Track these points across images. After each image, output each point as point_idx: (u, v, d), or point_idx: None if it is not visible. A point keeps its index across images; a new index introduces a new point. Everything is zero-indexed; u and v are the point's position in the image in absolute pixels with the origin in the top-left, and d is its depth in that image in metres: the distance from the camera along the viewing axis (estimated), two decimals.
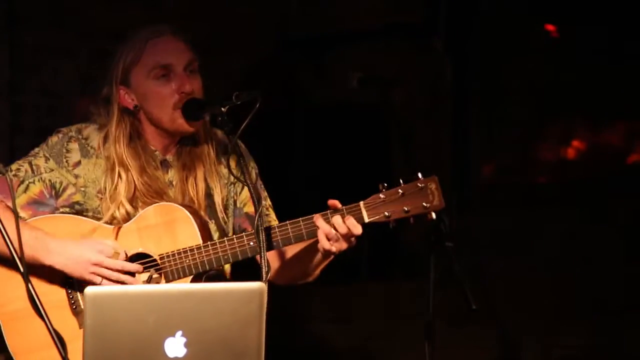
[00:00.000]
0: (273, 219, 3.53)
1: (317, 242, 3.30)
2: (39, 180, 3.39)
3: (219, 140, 3.51)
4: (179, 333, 2.59)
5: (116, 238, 3.34)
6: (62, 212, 3.40)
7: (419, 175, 3.27)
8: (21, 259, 2.81)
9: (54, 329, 2.72)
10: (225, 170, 3.50)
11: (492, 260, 6.43)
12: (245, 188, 3.48)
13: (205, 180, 3.45)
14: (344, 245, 3.26)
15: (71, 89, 5.97)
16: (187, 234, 3.32)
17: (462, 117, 7.17)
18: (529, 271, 6.40)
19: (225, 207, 3.50)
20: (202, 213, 3.42)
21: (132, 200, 3.39)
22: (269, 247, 3.28)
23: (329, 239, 3.23)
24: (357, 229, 3.23)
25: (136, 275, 3.30)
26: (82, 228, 3.37)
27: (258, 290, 2.67)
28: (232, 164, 3.50)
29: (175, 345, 2.59)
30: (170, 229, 3.32)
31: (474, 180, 7.18)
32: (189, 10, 6.53)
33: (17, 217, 2.97)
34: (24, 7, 5.86)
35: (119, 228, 3.35)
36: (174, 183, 3.45)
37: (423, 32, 7.11)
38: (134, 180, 3.38)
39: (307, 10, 7.12)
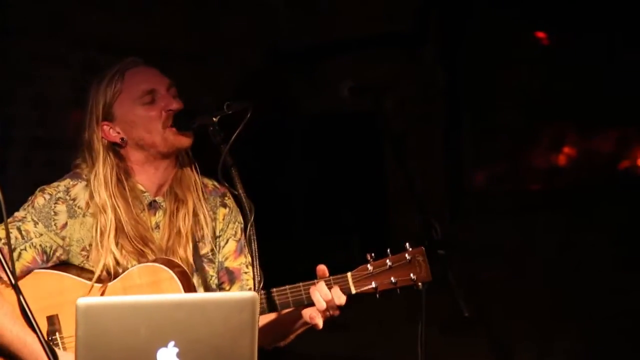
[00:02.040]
0: (250, 278, 3.50)
1: (298, 311, 3.30)
2: (30, 247, 3.34)
3: (208, 191, 3.51)
4: (172, 343, 2.59)
5: (102, 295, 3.31)
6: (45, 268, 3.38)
7: (407, 245, 3.30)
8: (13, 272, 2.80)
9: (46, 342, 2.72)
10: (212, 224, 3.49)
11: (485, 268, 6.45)
12: (230, 242, 3.51)
13: (195, 218, 3.44)
14: (324, 316, 3.28)
15: (63, 99, 5.97)
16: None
17: (454, 125, 7.19)
18: (521, 278, 6.41)
19: (211, 261, 3.49)
20: (190, 249, 3.40)
21: (119, 246, 3.35)
22: (271, 309, 3.28)
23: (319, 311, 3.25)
24: (341, 300, 3.26)
25: None
26: (68, 286, 3.33)
27: (250, 299, 2.67)
28: (223, 212, 3.51)
29: (168, 355, 2.59)
30: (156, 289, 3.30)
31: (466, 187, 7.20)
32: (181, 21, 6.55)
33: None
34: (14, 17, 5.87)
35: (105, 287, 3.33)
36: (160, 225, 3.43)
37: (414, 41, 7.13)
38: (122, 222, 3.35)
39: (299, 20, 7.14)
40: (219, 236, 3.51)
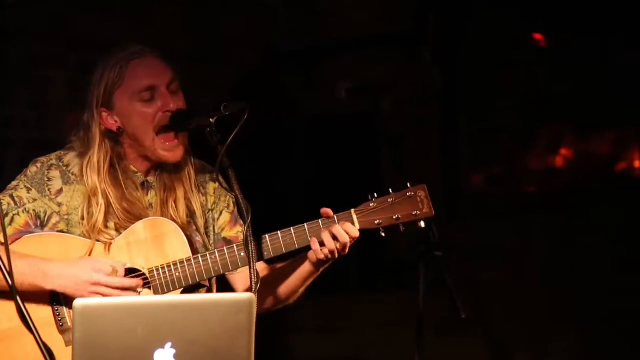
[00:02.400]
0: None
1: (304, 257, 3.30)
2: (23, 212, 3.36)
3: (196, 169, 3.52)
4: (169, 344, 2.59)
5: (108, 252, 3.33)
6: None
7: (408, 184, 3.29)
8: (10, 273, 2.80)
9: (44, 344, 2.72)
10: (202, 199, 3.50)
11: (482, 269, 6.45)
12: (224, 214, 3.52)
13: (187, 201, 3.45)
14: (335, 255, 3.28)
15: (61, 100, 5.96)
16: (177, 247, 3.32)
17: (451, 126, 7.19)
18: (519, 279, 6.41)
19: (207, 234, 3.51)
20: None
21: (112, 224, 3.37)
22: (260, 257, 3.29)
23: (322, 247, 3.25)
24: (355, 232, 3.24)
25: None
26: (70, 245, 3.36)
27: (247, 300, 2.67)
28: (212, 188, 3.51)
29: (165, 356, 2.59)
30: (160, 242, 3.32)
31: (463, 189, 7.20)
32: (178, 22, 6.54)
33: (5, 236, 2.94)
34: (11, 18, 5.86)
35: (110, 244, 3.35)
36: (153, 205, 3.44)
37: (412, 42, 7.13)
38: (113, 209, 3.37)
39: (297, 21, 7.13)
40: (212, 209, 3.52)
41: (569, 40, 6.90)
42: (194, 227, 3.46)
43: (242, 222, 3.44)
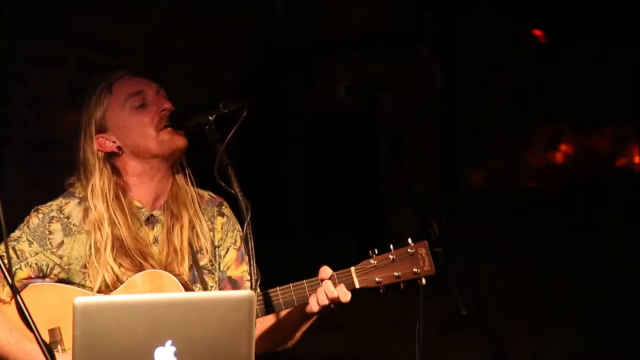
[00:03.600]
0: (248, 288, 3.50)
1: (301, 307, 3.30)
2: (25, 266, 3.35)
3: (204, 202, 3.50)
4: (169, 342, 2.59)
5: None
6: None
7: (409, 240, 3.29)
8: (9, 271, 2.80)
9: (44, 343, 2.71)
10: (210, 234, 3.48)
11: (482, 266, 6.45)
12: (230, 251, 3.49)
13: (190, 232, 3.43)
14: (329, 310, 3.28)
15: (59, 100, 5.96)
16: None
17: (451, 124, 7.19)
18: (519, 277, 6.41)
19: (211, 272, 3.48)
20: (185, 267, 3.39)
21: (117, 262, 3.34)
22: (275, 309, 3.28)
23: (319, 305, 3.25)
24: (346, 297, 3.25)
25: None
26: (70, 297, 3.32)
27: (247, 298, 2.67)
28: (220, 221, 3.51)
29: (165, 354, 2.59)
30: None
31: (463, 186, 7.20)
32: (178, 21, 6.54)
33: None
34: (11, 17, 5.86)
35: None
36: (159, 239, 3.42)
37: (410, 40, 7.13)
38: (122, 235, 3.34)
39: (295, 20, 7.14)
40: (219, 246, 3.50)
41: (568, 38, 6.91)
42: (197, 253, 3.43)
43: (247, 260, 3.42)
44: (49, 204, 3.41)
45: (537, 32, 7.12)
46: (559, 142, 7.17)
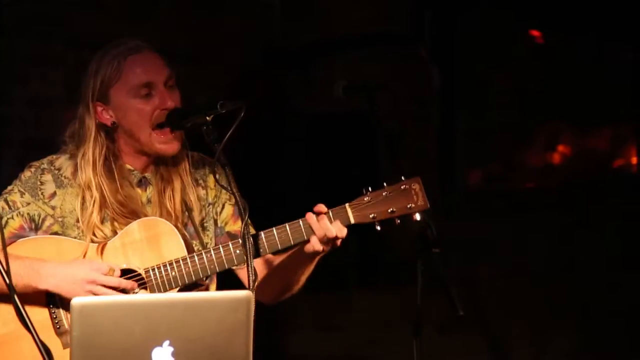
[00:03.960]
0: (252, 230, 3.51)
1: (301, 249, 3.31)
2: (17, 215, 3.37)
3: (195, 162, 3.51)
4: (167, 342, 2.59)
5: (101, 255, 3.33)
6: None
7: (402, 177, 3.29)
8: (8, 272, 2.80)
9: (43, 345, 2.72)
10: (202, 192, 3.50)
11: (480, 266, 6.45)
12: (226, 207, 3.51)
13: (182, 193, 3.44)
14: (328, 248, 3.28)
15: (58, 99, 5.96)
16: (172, 247, 3.31)
17: (449, 124, 7.20)
18: (516, 277, 6.42)
19: (205, 228, 3.50)
20: (180, 226, 3.41)
21: (108, 221, 3.37)
22: (256, 254, 3.29)
23: (320, 242, 3.25)
24: (343, 232, 3.25)
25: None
26: (65, 247, 3.36)
27: (245, 298, 2.67)
28: (212, 180, 3.51)
29: (163, 354, 2.59)
30: (155, 242, 3.31)
31: (460, 186, 7.20)
32: (176, 21, 6.54)
33: (2, 235, 2.94)
34: (10, 16, 5.86)
35: (104, 245, 3.34)
36: (152, 200, 3.44)
37: (409, 40, 7.13)
38: (108, 201, 3.36)
39: (293, 19, 7.14)
40: (213, 203, 3.52)
41: (565, 38, 6.91)
42: (189, 221, 3.45)
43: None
44: (41, 159, 3.44)
45: (535, 33, 7.12)
46: (556, 143, 7.17)
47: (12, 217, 3.37)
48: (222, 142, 3.18)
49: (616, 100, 6.70)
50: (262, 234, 3.29)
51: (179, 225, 3.41)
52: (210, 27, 6.72)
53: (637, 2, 6.36)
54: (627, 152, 7.01)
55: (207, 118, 3.24)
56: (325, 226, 3.24)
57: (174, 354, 2.59)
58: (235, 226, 3.51)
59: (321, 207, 3.29)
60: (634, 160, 6.95)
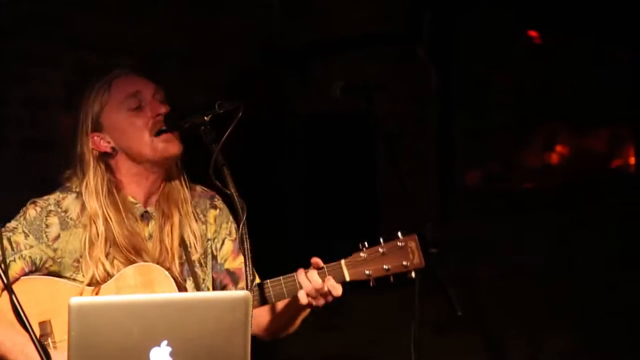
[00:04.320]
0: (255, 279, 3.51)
1: (296, 299, 3.31)
2: (19, 258, 3.35)
3: (196, 195, 3.51)
4: (165, 342, 2.59)
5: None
6: None
7: (399, 234, 3.30)
8: (5, 271, 2.80)
9: (38, 341, 2.72)
10: (202, 227, 3.49)
11: (477, 267, 6.45)
12: (226, 243, 3.51)
13: (181, 229, 3.43)
14: (321, 302, 3.30)
15: (55, 100, 5.96)
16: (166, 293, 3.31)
17: (447, 124, 7.20)
18: (514, 277, 6.42)
19: (203, 265, 3.48)
20: (175, 267, 3.40)
21: (110, 257, 3.35)
22: (266, 300, 3.30)
23: (308, 296, 3.26)
24: (337, 291, 3.27)
25: None
26: (59, 289, 3.34)
27: (243, 298, 2.67)
28: (213, 214, 3.51)
29: (161, 354, 2.59)
30: (149, 288, 3.30)
31: (458, 186, 7.20)
32: (174, 21, 6.54)
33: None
34: (7, 17, 5.85)
35: (99, 289, 3.33)
36: (153, 236, 3.43)
37: (407, 40, 7.13)
38: (114, 232, 3.35)
39: (292, 20, 7.14)
40: (213, 238, 3.51)
41: (564, 39, 6.91)
42: (184, 258, 3.44)
43: (239, 243, 3.43)
44: (45, 197, 3.41)
45: (534, 33, 7.12)
46: (555, 143, 7.17)
47: (15, 260, 3.34)
48: (220, 142, 3.18)
49: (614, 101, 6.71)
50: (257, 287, 3.29)
51: (174, 267, 3.39)
52: (209, 27, 6.72)
53: (635, 2, 6.36)
54: (625, 153, 7.02)
55: (205, 118, 3.24)
56: (317, 284, 3.24)
57: (172, 354, 2.60)
58: (235, 263, 3.50)
59: (317, 262, 3.29)
60: (632, 160, 6.95)
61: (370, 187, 6.96)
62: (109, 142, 3.39)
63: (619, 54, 6.76)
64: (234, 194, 3.18)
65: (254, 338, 2.70)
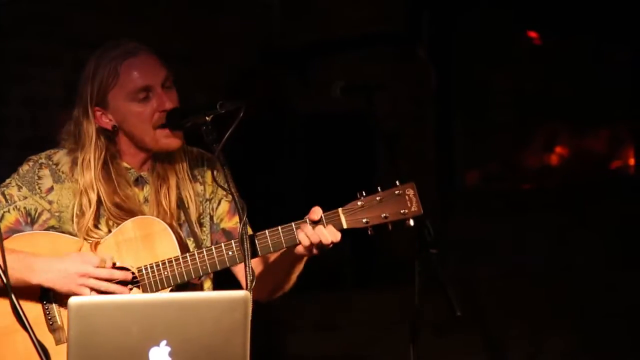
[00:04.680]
0: (249, 230, 3.50)
1: (292, 250, 3.30)
2: (14, 209, 3.37)
3: (194, 157, 3.51)
4: (164, 342, 2.59)
5: (95, 251, 3.33)
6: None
7: (397, 182, 3.28)
8: (5, 271, 2.80)
9: (38, 341, 2.71)
10: (200, 188, 3.49)
11: (477, 267, 6.45)
12: (222, 203, 3.50)
13: (178, 190, 3.44)
14: (319, 251, 3.28)
15: (55, 100, 5.96)
16: (166, 247, 3.30)
17: (447, 124, 7.20)
18: (514, 277, 6.42)
19: (202, 225, 3.50)
20: (175, 225, 3.41)
21: (104, 222, 3.37)
22: (264, 250, 3.29)
23: (306, 249, 3.25)
24: (336, 237, 3.25)
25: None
26: (60, 243, 3.35)
27: (242, 298, 2.67)
28: (210, 176, 3.51)
29: (160, 354, 2.59)
30: (149, 242, 3.31)
31: (458, 186, 7.20)
32: (174, 21, 6.54)
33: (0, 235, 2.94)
34: (7, 17, 5.86)
35: (97, 242, 3.35)
36: (149, 199, 3.44)
37: (407, 40, 7.14)
38: (105, 205, 3.36)
39: (292, 20, 7.14)
40: (210, 199, 3.51)
41: (564, 39, 6.91)
42: (183, 218, 3.45)
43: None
44: (39, 154, 3.44)
45: (533, 34, 7.13)
46: (555, 144, 7.17)
47: (9, 211, 3.36)
48: (222, 142, 3.18)
49: (614, 102, 6.71)
50: (255, 236, 3.29)
51: (174, 223, 3.40)
52: (209, 27, 6.72)
53: (635, 3, 6.36)
54: (625, 153, 7.02)
55: (207, 118, 3.23)
56: (320, 232, 3.23)
57: (171, 354, 2.59)
58: (231, 223, 3.51)
59: (316, 213, 3.27)
60: (632, 161, 6.95)
61: (369, 186, 6.96)
62: (110, 120, 3.39)
63: (618, 54, 6.76)
64: (235, 194, 3.19)
65: (253, 335, 2.69)
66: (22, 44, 5.93)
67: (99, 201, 3.37)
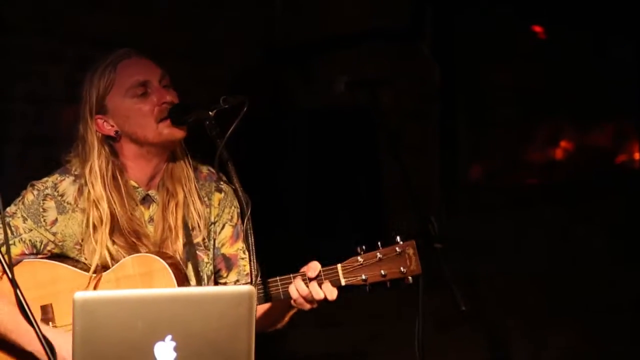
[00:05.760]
0: (246, 264, 3.49)
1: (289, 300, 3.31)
2: (19, 242, 3.38)
3: (203, 178, 3.51)
4: (169, 337, 2.59)
5: (95, 288, 3.33)
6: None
7: (398, 239, 3.28)
8: (10, 266, 2.80)
9: (41, 334, 2.72)
10: (207, 211, 3.49)
11: (481, 262, 6.44)
12: (226, 228, 3.52)
13: (187, 209, 3.43)
14: (315, 305, 3.30)
15: (58, 96, 5.96)
16: (164, 285, 3.30)
17: (450, 119, 7.19)
18: (518, 273, 6.41)
19: (206, 248, 3.49)
20: (180, 244, 3.40)
21: (113, 238, 3.36)
22: (264, 300, 3.29)
23: (296, 302, 3.26)
24: (332, 295, 3.25)
25: None
26: (61, 275, 3.35)
27: (247, 293, 2.67)
28: (217, 197, 3.50)
29: (165, 349, 2.59)
30: (148, 280, 3.31)
31: (462, 182, 7.20)
32: (176, 18, 6.54)
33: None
34: (8, 12, 5.86)
35: (99, 278, 3.34)
36: (154, 218, 3.43)
37: (410, 36, 7.13)
38: (117, 216, 3.37)
39: (294, 16, 7.13)
40: (215, 222, 3.51)
41: (568, 34, 6.90)
42: (187, 239, 3.43)
43: (243, 238, 3.45)
44: (44, 179, 3.44)
45: (537, 29, 7.11)
46: (559, 139, 7.16)
47: (14, 243, 3.37)
48: (225, 138, 3.18)
49: (618, 96, 6.69)
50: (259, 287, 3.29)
51: (177, 246, 3.39)
52: (211, 24, 6.72)
53: None
54: (630, 148, 7.00)
55: (210, 113, 3.24)
56: (314, 290, 3.23)
57: (176, 349, 2.59)
58: (232, 249, 3.51)
59: (314, 269, 3.27)
60: (637, 156, 6.94)
61: (373, 182, 6.96)
62: (112, 126, 3.39)
63: (622, 48, 6.74)
64: (239, 189, 3.19)
65: (258, 334, 2.69)
66: (26, 40, 5.93)
67: (112, 215, 3.35)
